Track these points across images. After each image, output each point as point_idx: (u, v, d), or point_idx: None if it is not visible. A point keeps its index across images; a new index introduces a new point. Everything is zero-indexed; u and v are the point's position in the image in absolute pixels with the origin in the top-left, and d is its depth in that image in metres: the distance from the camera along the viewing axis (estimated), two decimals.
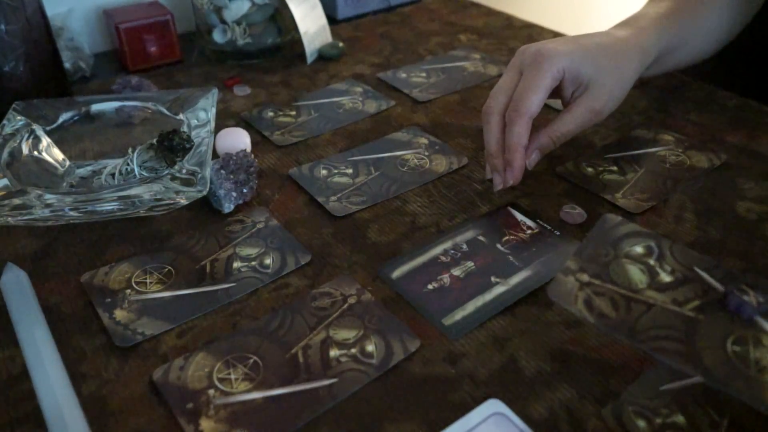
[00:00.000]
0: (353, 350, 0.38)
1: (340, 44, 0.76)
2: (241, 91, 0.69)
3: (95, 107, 0.56)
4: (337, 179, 0.54)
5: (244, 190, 0.50)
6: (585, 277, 0.37)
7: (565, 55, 0.49)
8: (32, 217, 0.44)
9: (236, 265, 0.45)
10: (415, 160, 0.56)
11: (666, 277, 0.37)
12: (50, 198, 0.45)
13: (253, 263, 0.45)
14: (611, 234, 0.40)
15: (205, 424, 0.34)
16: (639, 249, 0.39)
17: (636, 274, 0.37)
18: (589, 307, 0.36)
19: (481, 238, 0.47)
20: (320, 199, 0.51)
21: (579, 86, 0.51)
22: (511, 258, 0.45)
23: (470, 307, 0.41)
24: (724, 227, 0.47)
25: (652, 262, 0.38)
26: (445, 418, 0.35)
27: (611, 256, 0.38)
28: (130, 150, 0.51)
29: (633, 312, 0.35)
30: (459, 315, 0.41)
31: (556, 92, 0.52)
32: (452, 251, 0.46)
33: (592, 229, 0.40)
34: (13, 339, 0.39)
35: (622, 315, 0.35)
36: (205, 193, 0.45)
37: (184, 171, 0.47)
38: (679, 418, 0.34)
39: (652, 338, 0.34)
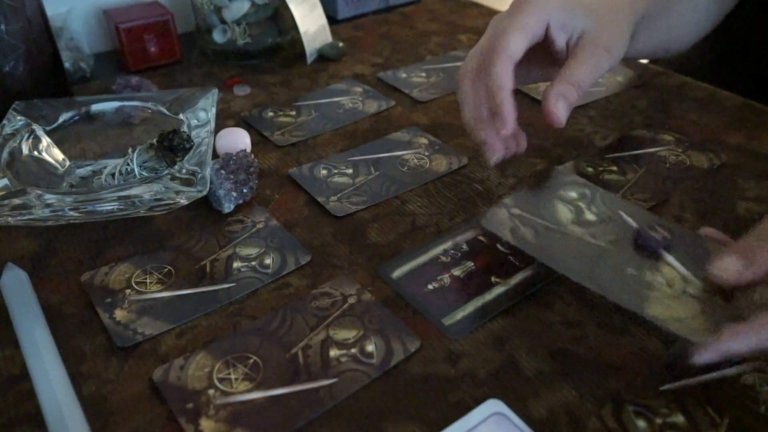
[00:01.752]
0: (353, 350, 0.38)
1: (340, 44, 0.76)
2: (241, 91, 0.69)
3: (95, 107, 0.56)
4: (337, 179, 0.54)
5: (244, 190, 0.50)
6: (516, 211, 0.42)
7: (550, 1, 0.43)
8: (32, 217, 0.44)
9: (236, 265, 0.45)
10: (415, 160, 0.56)
11: (590, 217, 0.41)
12: (50, 198, 0.45)
13: (253, 263, 0.45)
14: (554, 181, 0.44)
15: (205, 424, 0.34)
16: (573, 193, 0.43)
17: (564, 212, 0.42)
18: (514, 233, 0.41)
19: (481, 238, 0.47)
20: (320, 199, 0.51)
21: (572, 33, 0.44)
22: (511, 258, 0.45)
23: (470, 307, 0.41)
24: (724, 227, 0.47)
25: (582, 204, 0.42)
26: (445, 418, 0.35)
27: (546, 198, 0.42)
28: (130, 150, 0.51)
29: (551, 239, 0.40)
30: (459, 315, 0.41)
31: (547, 60, 0.47)
32: (452, 251, 0.46)
33: (539, 178, 0.43)
34: (13, 339, 0.39)
35: (540, 241, 0.40)
36: (205, 193, 0.46)
37: (184, 171, 0.47)
38: (679, 418, 0.34)
39: (562, 260, 0.39)
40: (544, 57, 0.47)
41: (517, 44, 0.42)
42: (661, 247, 0.39)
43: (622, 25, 0.47)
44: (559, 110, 0.43)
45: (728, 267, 0.35)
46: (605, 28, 0.45)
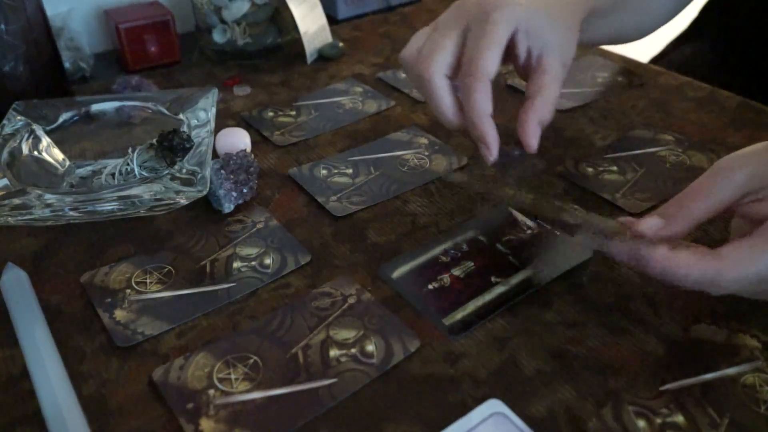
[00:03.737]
0: (353, 350, 0.38)
1: (340, 44, 0.76)
2: (241, 91, 0.69)
3: (95, 107, 0.56)
4: (337, 179, 0.54)
5: (244, 190, 0.50)
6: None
7: (516, 4, 0.42)
8: (32, 217, 0.44)
9: (236, 265, 0.45)
10: (415, 160, 0.56)
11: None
12: (50, 198, 0.45)
13: (253, 263, 0.45)
14: None
15: (205, 424, 0.34)
16: None
17: None
18: None
19: (481, 237, 0.47)
20: (320, 199, 0.51)
21: (535, 42, 0.44)
22: (511, 258, 0.45)
23: (470, 307, 0.41)
24: (725, 227, 0.47)
25: None
26: (445, 418, 0.35)
27: None
28: (130, 150, 0.51)
29: None
30: (459, 315, 0.41)
31: (504, 56, 0.46)
32: (452, 251, 0.46)
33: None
34: (13, 339, 0.39)
35: None
36: (205, 193, 0.46)
37: (184, 171, 0.47)
38: (679, 418, 0.34)
39: None
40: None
41: (494, 64, 0.42)
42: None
43: (575, 31, 0.46)
44: (537, 138, 0.43)
45: (650, 225, 0.38)
46: (563, 39, 0.45)
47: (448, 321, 0.40)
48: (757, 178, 0.36)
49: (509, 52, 0.45)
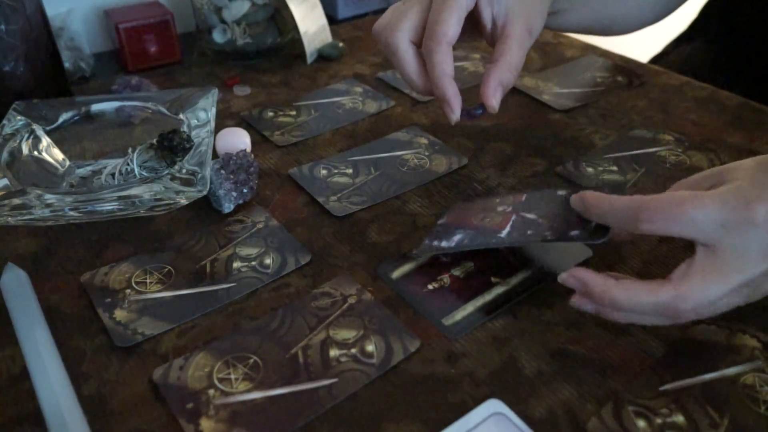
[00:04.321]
0: (353, 350, 0.38)
1: (340, 44, 0.76)
2: (241, 91, 0.69)
3: (95, 107, 0.56)
4: (337, 179, 0.54)
5: (244, 190, 0.50)
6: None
7: None
8: (32, 217, 0.44)
9: (236, 265, 0.45)
10: (415, 160, 0.56)
11: None
12: (50, 198, 0.45)
13: (253, 263, 0.45)
14: None
15: (205, 424, 0.34)
16: None
17: None
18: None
19: None
20: (320, 199, 0.51)
21: (499, 9, 0.45)
22: (511, 258, 0.45)
23: (470, 307, 0.41)
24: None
25: None
26: (445, 418, 0.35)
27: None
28: (130, 150, 0.51)
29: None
30: (459, 315, 0.41)
31: (471, 29, 0.47)
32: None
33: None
34: (13, 339, 0.39)
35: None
36: (205, 193, 0.45)
37: (184, 171, 0.47)
38: (679, 418, 0.34)
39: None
40: (467, 26, 0.47)
41: (454, 28, 0.44)
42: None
43: (542, 2, 0.48)
44: (497, 99, 0.45)
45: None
46: (528, 5, 0.46)
47: (447, 321, 0.40)
48: (718, 170, 0.37)
49: (476, 24, 0.46)
